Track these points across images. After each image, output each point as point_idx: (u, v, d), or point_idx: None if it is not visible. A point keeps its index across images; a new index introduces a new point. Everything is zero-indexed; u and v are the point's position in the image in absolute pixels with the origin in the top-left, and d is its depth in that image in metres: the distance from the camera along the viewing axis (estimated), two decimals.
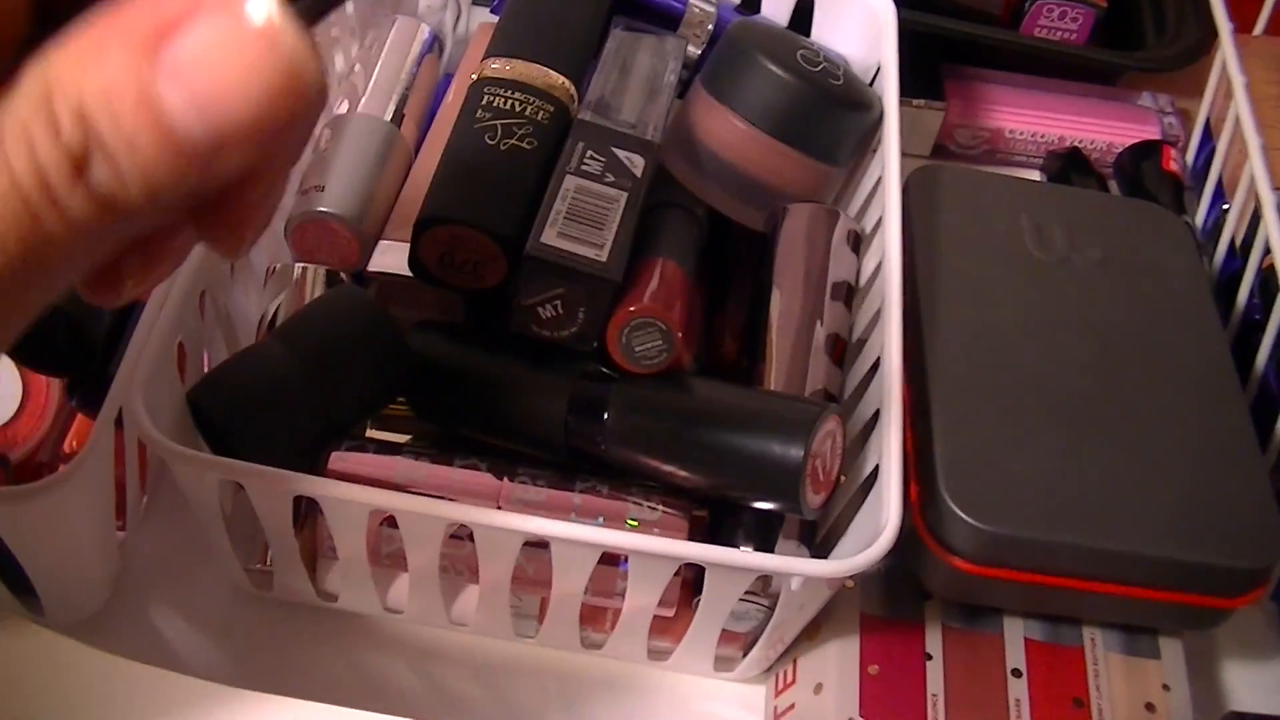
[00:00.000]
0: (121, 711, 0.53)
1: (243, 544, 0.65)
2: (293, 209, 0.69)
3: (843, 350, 0.68)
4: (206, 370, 0.64)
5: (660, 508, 0.61)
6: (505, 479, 0.62)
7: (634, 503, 0.61)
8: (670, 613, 0.62)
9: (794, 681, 0.65)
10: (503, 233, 0.61)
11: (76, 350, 0.64)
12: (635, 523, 0.61)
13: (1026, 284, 0.72)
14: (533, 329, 0.61)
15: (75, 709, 0.53)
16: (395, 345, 0.63)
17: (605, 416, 0.61)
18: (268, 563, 0.65)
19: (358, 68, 0.77)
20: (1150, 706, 0.64)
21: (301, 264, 0.68)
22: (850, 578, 0.66)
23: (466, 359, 0.64)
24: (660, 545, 0.57)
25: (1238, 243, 0.82)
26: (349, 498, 0.57)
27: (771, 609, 0.61)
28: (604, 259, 0.60)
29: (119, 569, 0.67)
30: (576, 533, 0.56)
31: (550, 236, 0.60)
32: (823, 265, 0.69)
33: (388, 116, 0.73)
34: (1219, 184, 0.86)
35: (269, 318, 0.67)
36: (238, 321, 0.70)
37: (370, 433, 0.68)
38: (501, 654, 0.67)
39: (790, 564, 0.56)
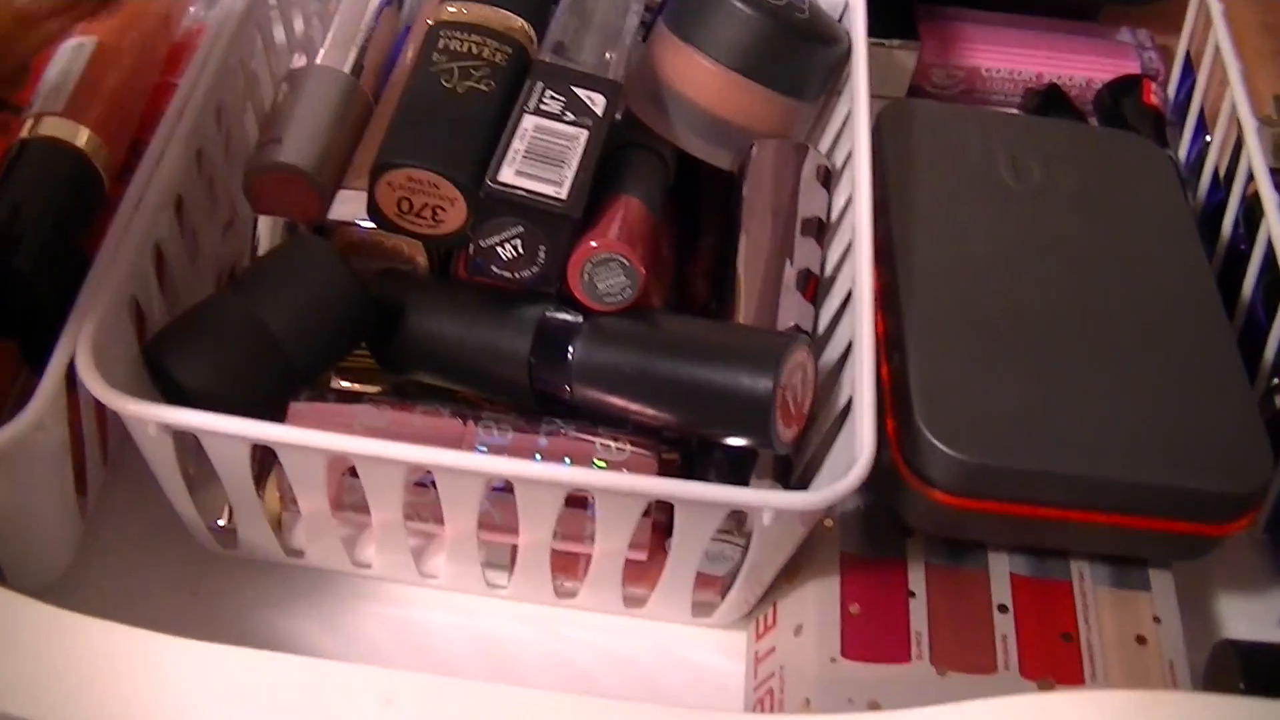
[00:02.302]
0: (88, 669, 0.51)
1: (206, 502, 0.64)
2: (250, 162, 0.67)
3: (815, 286, 0.67)
4: None
5: (628, 447, 0.60)
6: (469, 423, 0.60)
7: (601, 444, 0.60)
8: (643, 556, 0.61)
9: (774, 625, 0.64)
10: (459, 175, 0.60)
11: (29, 312, 0.63)
12: (603, 464, 0.59)
13: (1002, 215, 0.70)
14: (493, 270, 0.60)
15: (40, 668, 0.51)
16: (355, 293, 0.61)
17: (570, 356, 0.59)
18: (230, 519, 0.64)
19: (315, 22, 0.75)
20: (1141, 639, 0.63)
21: (260, 216, 0.67)
22: (829, 517, 0.65)
23: (428, 305, 0.63)
24: (625, 482, 0.55)
25: (1221, 173, 0.81)
26: (305, 444, 0.55)
27: (747, 549, 0.59)
28: (563, 196, 0.59)
29: (81, 534, 0.66)
30: (538, 472, 0.55)
31: (508, 175, 0.59)
32: (792, 201, 0.67)
33: (346, 69, 0.72)
34: (1200, 116, 0.84)
35: (227, 272, 0.65)
36: (195, 276, 0.69)
37: (334, 384, 0.66)
38: (475, 608, 0.66)
39: (760, 497, 0.55)
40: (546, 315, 0.60)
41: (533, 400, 0.61)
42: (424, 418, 0.61)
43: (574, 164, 0.60)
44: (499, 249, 0.59)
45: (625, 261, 0.58)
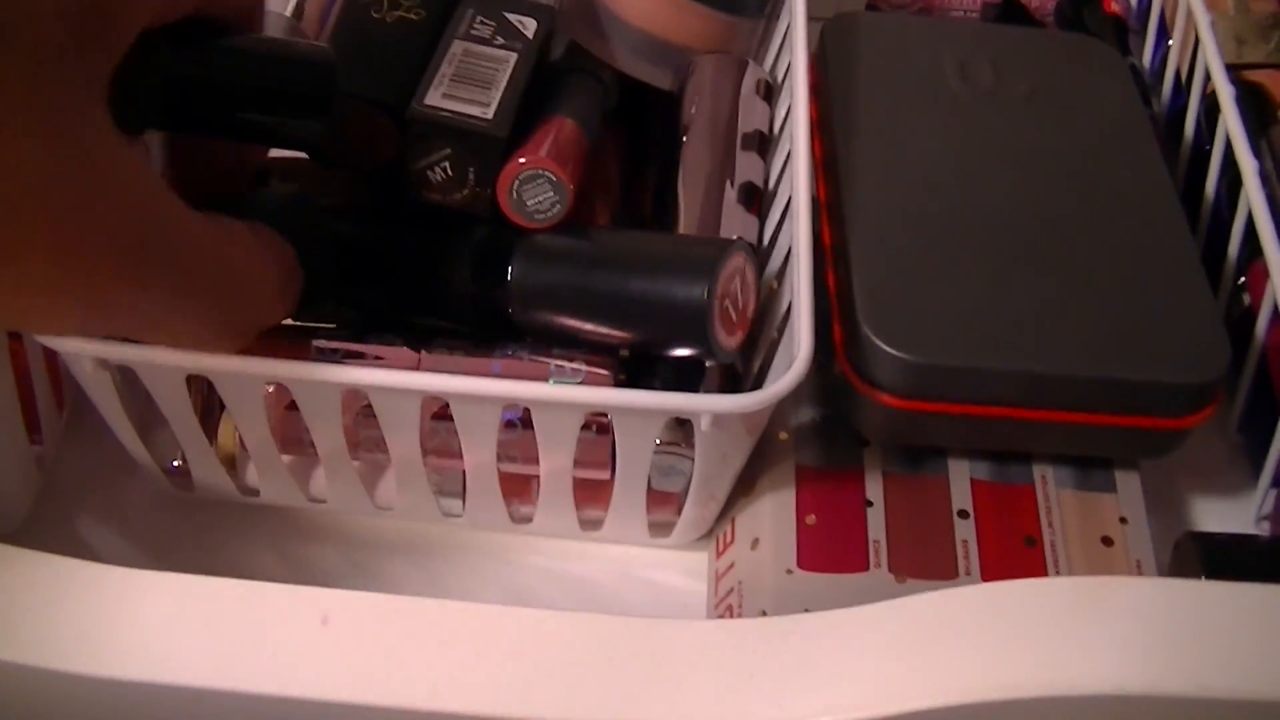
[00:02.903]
0: (31, 602, 0.52)
1: (161, 444, 0.64)
2: None
3: (760, 200, 0.66)
4: None
5: (584, 368, 0.59)
6: (422, 351, 0.60)
7: (556, 365, 0.59)
8: (604, 475, 0.60)
9: (732, 541, 0.63)
10: (388, 101, 0.59)
11: None
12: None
13: (950, 122, 0.70)
14: (425, 195, 0.60)
15: (4, 604, 0.51)
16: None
17: (509, 275, 0.59)
18: (185, 461, 0.64)
19: None
20: (1107, 540, 0.62)
21: None
22: (784, 431, 0.64)
23: (370, 234, 0.62)
24: (557, 393, 0.55)
25: (1183, 76, 0.80)
26: (240, 371, 0.55)
27: None
28: (489, 116, 0.58)
29: (38, 483, 0.66)
30: (467, 386, 0.54)
31: (434, 98, 0.59)
32: (732, 115, 0.67)
33: (288, 11, 0.72)
34: (1161, 21, 0.83)
35: None
36: None
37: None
38: (433, 536, 0.66)
39: (696, 401, 0.54)
40: (484, 237, 0.60)
41: (477, 324, 0.61)
42: (376, 348, 0.60)
43: (501, 86, 0.60)
44: (429, 173, 0.59)
45: (553, 177, 0.58)
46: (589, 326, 0.59)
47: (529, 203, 0.59)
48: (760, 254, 0.64)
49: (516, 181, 0.58)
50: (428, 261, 0.61)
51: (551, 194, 0.58)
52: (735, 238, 0.63)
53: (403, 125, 0.59)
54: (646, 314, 0.57)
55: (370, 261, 0.62)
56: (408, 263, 0.62)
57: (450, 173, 0.59)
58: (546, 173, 0.58)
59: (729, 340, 0.57)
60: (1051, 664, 0.49)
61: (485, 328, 0.61)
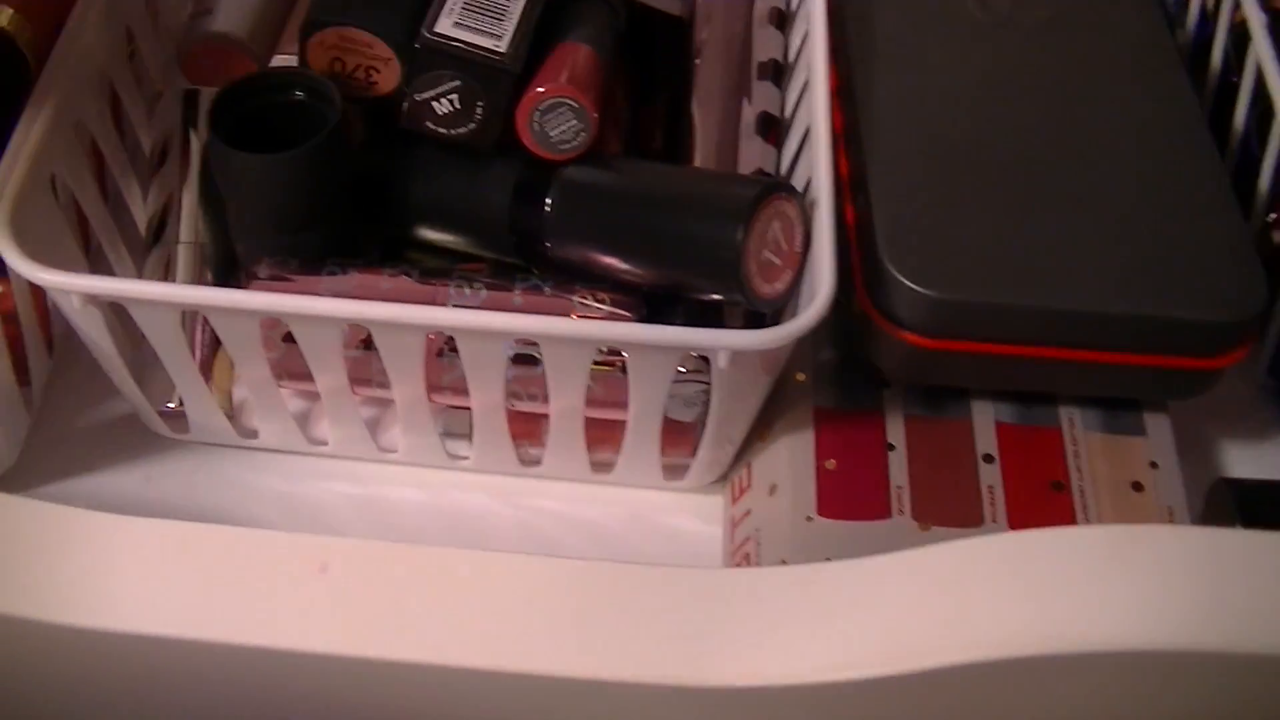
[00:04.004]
0: (23, 551, 0.50)
1: (155, 385, 0.62)
2: (183, 34, 0.65)
3: (777, 129, 0.63)
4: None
5: (607, 304, 0.57)
6: (440, 284, 0.58)
7: (579, 300, 0.57)
8: (620, 415, 0.58)
9: (749, 486, 0.61)
10: (391, 32, 0.57)
11: None
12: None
13: (967, 47, 0.67)
14: (427, 126, 0.57)
15: None
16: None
17: (547, 208, 0.56)
18: (180, 402, 0.61)
19: None
20: (1137, 486, 0.60)
21: (191, 87, 0.64)
22: (801, 371, 0.62)
23: (410, 164, 0.60)
24: (568, 327, 0.52)
25: (1209, 6, 0.77)
26: (234, 304, 0.53)
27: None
28: (503, 49, 0.56)
29: (27, 427, 0.64)
30: (472, 320, 0.52)
31: (445, 26, 0.56)
32: (745, 43, 0.64)
33: None
34: None
35: (158, 149, 0.63)
36: (125, 152, 0.66)
37: None
38: (438, 483, 0.63)
39: (714, 336, 0.52)
40: (524, 167, 0.57)
41: (516, 254, 0.59)
42: (391, 280, 0.58)
43: (515, 17, 0.57)
44: (434, 104, 0.57)
45: (575, 104, 0.55)
46: (623, 264, 0.56)
47: (552, 133, 0.56)
48: None
49: (538, 112, 0.56)
50: (468, 191, 0.59)
51: (575, 122, 0.56)
52: (755, 169, 0.61)
53: (408, 53, 0.57)
54: (681, 254, 0.55)
55: (410, 191, 0.60)
56: (449, 192, 0.60)
57: (457, 105, 0.56)
58: (569, 100, 0.56)
59: (769, 288, 0.55)
60: (1085, 618, 0.47)
61: (522, 258, 0.59)
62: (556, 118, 0.56)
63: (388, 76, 0.58)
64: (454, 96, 0.56)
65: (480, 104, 0.56)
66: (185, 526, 0.50)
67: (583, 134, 0.56)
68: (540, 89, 0.56)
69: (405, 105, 0.57)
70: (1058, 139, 0.63)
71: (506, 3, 0.57)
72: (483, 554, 0.50)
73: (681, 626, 0.48)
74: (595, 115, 0.56)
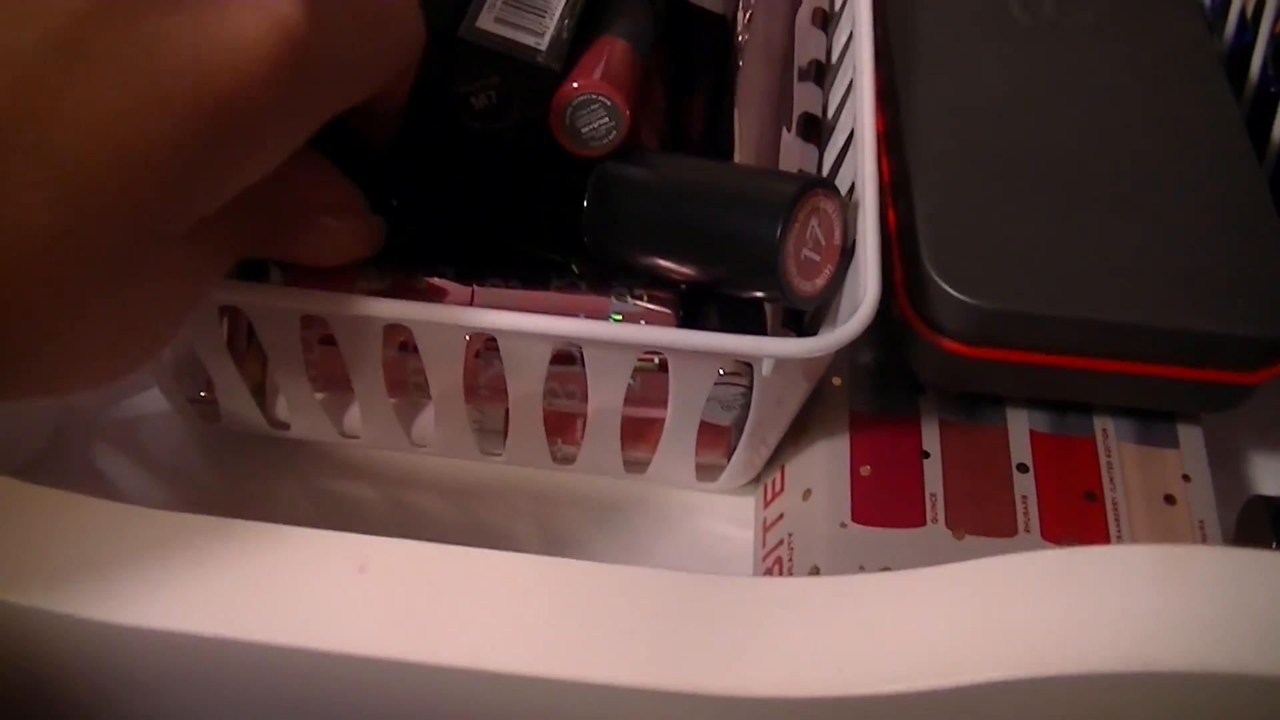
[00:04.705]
0: (54, 545, 0.49)
1: (186, 373, 0.61)
2: None
3: (819, 131, 0.63)
4: None
5: (645, 302, 0.57)
6: (475, 283, 0.57)
7: (616, 298, 0.57)
8: (658, 414, 0.57)
9: (782, 490, 0.61)
10: (431, 18, 0.56)
11: None
12: (619, 318, 0.56)
13: (1012, 52, 0.67)
14: (465, 120, 0.57)
15: (23, 545, 0.49)
16: None
17: (585, 202, 0.56)
18: (211, 391, 0.61)
19: None
20: (1170, 498, 0.59)
21: None
22: (836, 376, 0.62)
23: (445, 153, 0.59)
24: (610, 331, 0.52)
25: (1248, 13, 0.76)
26: (272, 304, 0.52)
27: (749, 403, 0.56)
28: (543, 47, 0.55)
29: (57, 413, 0.63)
30: (513, 322, 0.52)
31: (486, 21, 0.56)
32: (788, 41, 0.64)
33: None
34: None
35: None
36: None
37: None
38: (471, 475, 0.63)
39: (757, 344, 0.52)
40: (561, 160, 0.57)
41: (553, 250, 0.59)
42: (427, 279, 0.58)
43: (557, 13, 0.56)
44: (472, 98, 0.56)
45: (608, 101, 0.55)
46: (661, 261, 0.56)
47: (583, 129, 0.56)
48: None
49: (571, 107, 0.55)
50: (505, 184, 0.59)
51: (607, 119, 0.55)
52: (797, 169, 0.60)
53: (448, 45, 0.56)
54: (719, 249, 0.55)
55: (446, 183, 0.60)
56: (485, 184, 0.59)
57: (494, 101, 0.56)
58: (601, 97, 0.55)
59: (807, 285, 0.54)
60: (1130, 638, 0.46)
61: (561, 253, 0.59)
62: (589, 114, 0.56)
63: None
64: (492, 92, 0.56)
65: (518, 101, 0.56)
66: (222, 523, 0.50)
67: (614, 131, 0.56)
68: (575, 84, 0.55)
69: (443, 98, 0.56)
70: (1099, 145, 0.63)
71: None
72: (519, 557, 0.49)
73: (716, 634, 0.48)
74: (628, 113, 0.55)
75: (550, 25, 0.56)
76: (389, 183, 0.59)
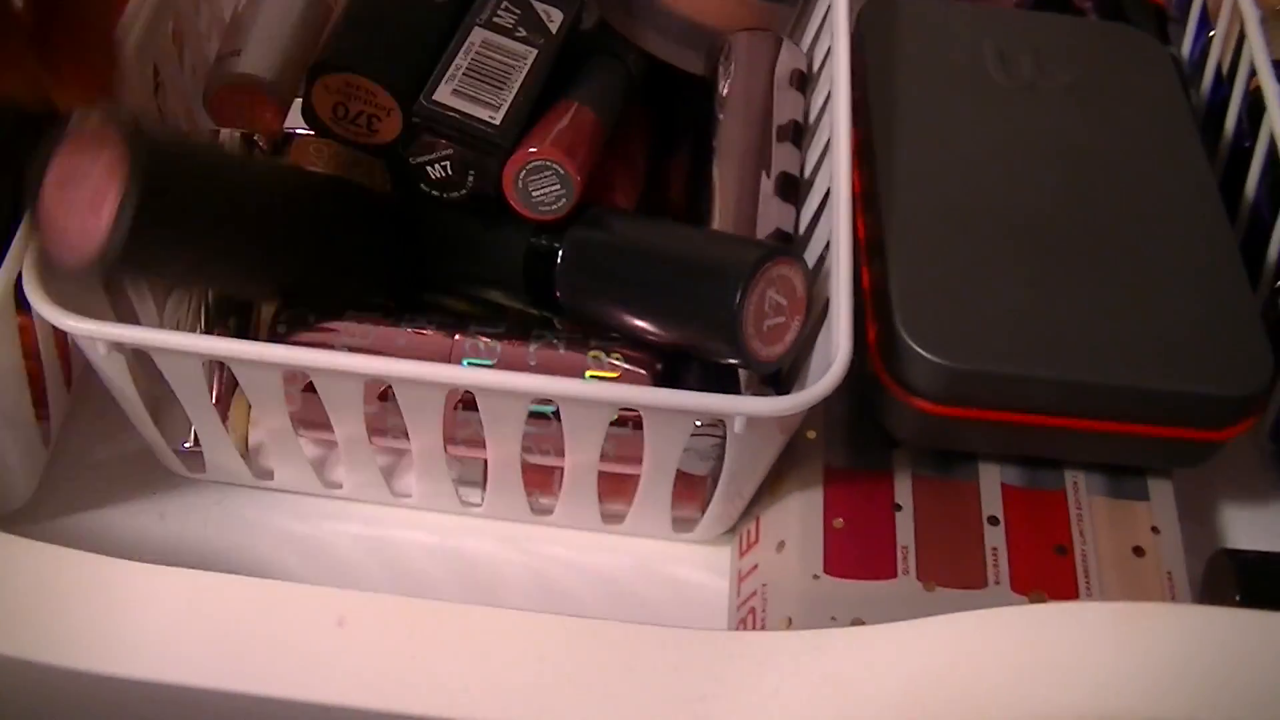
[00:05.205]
0: (42, 596, 0.50)
1: (171, 424, 0.62)
2: (210, 75, 0.65)
3: (797, 189, 0.64)
4: None
5: (621, 362, 0.58)
6: (457, 337, 0.59)
7: (593, 357, 0.58)
8: (632, 470, 0.59)
9: (757, 541, 0.62)
10: (396, 84, 0.57)
11: None
12: (595, 376, 0.57)
13: (990, 112, 0.68)
14: (423, 188, 0.58)
15: (8, 597, 0.50)
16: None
17: (559, 261, 0.57)
18: (196, 442, 0.62)
19: None
20: (1139, 550, 0.60)
21: (217, 129, 0.65)
22: (811, 429, 0.63)
23: (427, 210, 0.61)
24: (588, 390, 0.53)
25: (1224, 69, 0.78)
26: (259, 358, 0.53)
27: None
28: (497, 121, 0.57)
29: (45, 462, 0.64)
30: (495, 380, 0.53)
31: (444, 94, 0.57)
32: (766, 101, 0.65)
33: None
34: (1204, 10, 0.81)
35: None
36: None
37: None
38: (449, 528, 0.64)
39: (731, 403, 0.53)
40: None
41: (532, 304, 0.60)
42: (410, 334, 0.59)
43: (515, 86, 0.58)
44: (429, 168, 0.57)
45: (560, 169, 0.56)
46: (630, 321, 0.57)
47: (534, 194, 0.57)
48: (794, 243, 0.62)
49: (523, 171, 0.56)
50: (485, 241, 0.60)
51: (558, 186, 0.57)
52: (773, 229, 0.61)
53: (408, 115, 0.57)
54: (681, 315, 0.56)
55: (427, 240, 0.61)
56: (466, 241, 0.61)
57: (449, 171, 0.57)
58: (554, 164, 0.56)
59: (767, 350, 0.55)
60: (1088, 691, 0.47)
61: (539, 309, 0.60)
62: (540, 179, 0.57)
63: (389, 126, 0.58)
64: (447, 163, 0.57)
65: (471, 173, 0.57)
66: (205, 576, 0.51)
67: (564, 199, 0.57)
68: (530, 149, 0.56)
69: (403, 165, 0.58)
70: (1073, 206, 0.64)
71: (509, 70, 0.58)
72: (495, 611, 0.51)
73: (690, 688, 0.49)
74: (579, 180, 0.57)
75: (508, 98, 0.57)
76: (387, 247, 0.60)
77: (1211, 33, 0.79)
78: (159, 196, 0.51)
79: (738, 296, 0.53)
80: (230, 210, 0.55)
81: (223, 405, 0.62)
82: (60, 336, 0.63)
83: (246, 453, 0.62)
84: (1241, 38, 0.73)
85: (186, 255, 0.55)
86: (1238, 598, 0.58)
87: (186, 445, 0.63)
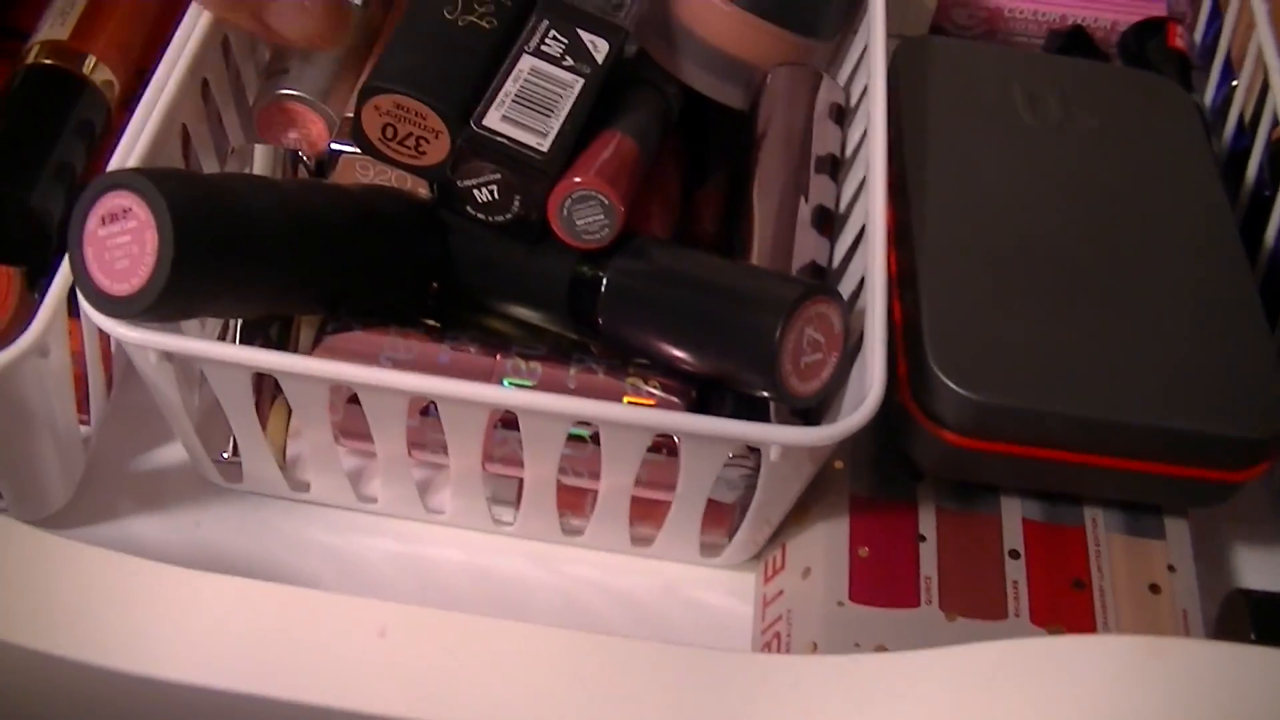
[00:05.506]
0: (84, 598, 0.51)
1: (211, 433, 0.63)
2: (258, 93, 0.66)
3: (832, 223, 0.65)
4: None
5: (658, 389, 0.59)
6: (498, 357, 0.60)
7: (631, 383, 0.59)
8: (665, 496, 0.60)
9: (783, 567, 0.63)
10: (446, 107, 0.58)
11: (34, 237, 0.62)
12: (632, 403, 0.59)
13: (1019, 153, 0.69)
14: (468, 211, 0.59)
15: (39, 597, 0.51)
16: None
17: (602, 289, 0.58)
18: (235, 452, 0.63)
19: None
20: (1155, 588, 0.61)
21: (261, 144, 0.66)
22: (838, 459, 0.64)
23: (473, 232, 0.62)
24: (627, 414, 0.54)
25: (1247, 118, 0.79)
26: (307, 372, 0.54)
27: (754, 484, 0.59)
28: (545, 148, 0.58)
29: (83, 465, 0.65)
30: (539, 402, 0.54)
31: (494, 119, 0.58)
32: (805, 134, 0.66)
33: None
34: (1227, 59, 0.83)
35: None
36: None
37: None
38: (481, 545, 0.65)
39: (766, 432, 0.54)
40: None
41: (574, 329, 0.61)
42: (452, 351, 0.60)
43: (563, 114, 0.59)
44: (475, 191, 0.59)
45: (605, 200, 0.57)
46: (668, 351, 0.58)
47: (579, 223, 0.58)
48: (830, 277, 0.64)
49: (569, 200, 0.58)
50: (529, 265, 0.61)
51: (601, 216, 0.58)
52: (809, 261, 0.62)
53: (456, 138, 0.58)
54: (720, 348, 0.57)
55: (472, 262, 0.62)
56: (510, 264, 0.62)
57: (496, 195, 0.58)
58: (598, 194, 0.57)
59: (803, 386, 0.56)
60: None
61: (580, 335, 0.62)
62: (584, 208, 0.58)
63: (437, 149, 0.59)
64: (494, 188, 0.58)
65: (518, 197, 0.58)
66: (249, 583, 0.52)
67: (607, 228, 0.58)
68: (576, 179, 0.57)
69: (450, 188, 0.59)
70: (1100, 247, 0.65)
71: (557, 98, 0.59)
72: (534, 627, 0.52)
73: (721, 708, 0.50)
74: (622, 210, 0.58)
75: (555, 125, 0.58)
76: (430, 265, 0.61)
77: (1234, 82, 0.80)
78: (193, 258, 0.52)
79: (777, 333, 0.54)
80: (271, 247, 0.56)
81: (261, 416, 0.63)
82: (104, 342, 0.64)
83: (284, 464, 0.63)
84: (1265, 88, 0.74)
85: (226, 297, 0.56)
86: (1253, 637, 0.59)
87: (225, 455, 0.64)
